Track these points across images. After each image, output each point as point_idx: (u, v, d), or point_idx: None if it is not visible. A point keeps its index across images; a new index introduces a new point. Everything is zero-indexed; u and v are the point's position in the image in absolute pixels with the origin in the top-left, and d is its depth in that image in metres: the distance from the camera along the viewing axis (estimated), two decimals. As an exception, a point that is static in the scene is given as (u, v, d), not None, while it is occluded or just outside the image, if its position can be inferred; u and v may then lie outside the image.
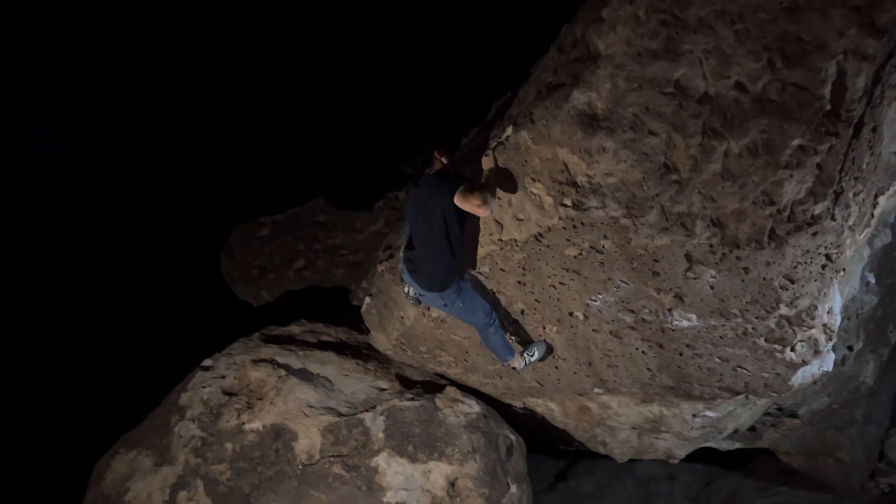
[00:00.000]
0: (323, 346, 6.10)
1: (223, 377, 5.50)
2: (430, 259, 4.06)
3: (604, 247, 3.99)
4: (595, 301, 4.35)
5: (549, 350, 4.87)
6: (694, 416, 5.58)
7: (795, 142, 3.55)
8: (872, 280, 5.38)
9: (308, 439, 5.21)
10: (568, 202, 3.81)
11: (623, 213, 3.76)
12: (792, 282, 3.96)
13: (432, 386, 5.88)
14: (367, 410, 5.47)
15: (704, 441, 6.02)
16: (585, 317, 4.49)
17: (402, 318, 5.07)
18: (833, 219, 3.68)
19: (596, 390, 5.22)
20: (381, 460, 5.21)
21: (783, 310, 4.11)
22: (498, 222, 4.27)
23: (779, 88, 3.52)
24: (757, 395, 4.78)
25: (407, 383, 5.89)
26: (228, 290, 7.89)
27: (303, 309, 7.01)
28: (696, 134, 3.64)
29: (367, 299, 5.34)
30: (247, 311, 7.75)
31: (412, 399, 5.54)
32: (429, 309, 4.82)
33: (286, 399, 5.38)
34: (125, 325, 8.55)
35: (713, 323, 4.27)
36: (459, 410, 5.53)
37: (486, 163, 4.06)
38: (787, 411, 6.54)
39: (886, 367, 6.10)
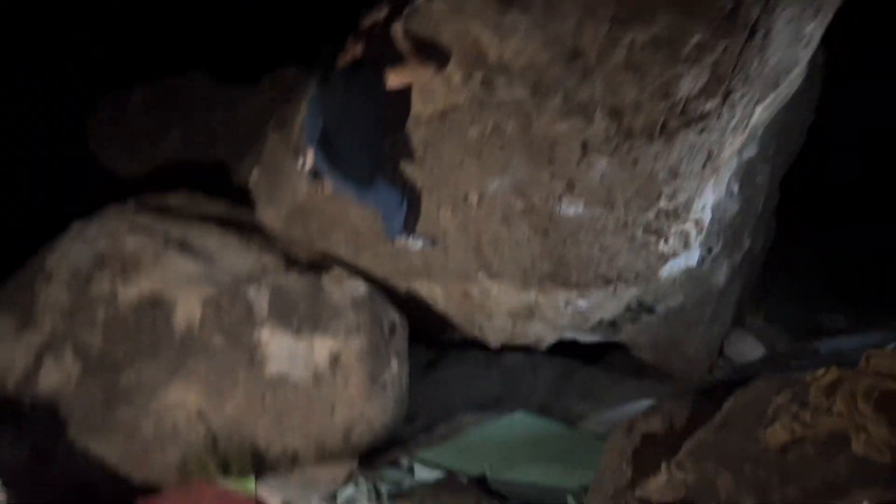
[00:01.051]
0: (204, 218, 5.89)
1: (95, 241, 5.21)
2: (358, 156, 3.99)
3: (506, 129, 4.04)
4: (491, 184, 4.44)
5: (433, 244, 4.97)
6: (566, 304, 5.89)
7: (695, 38, 3.71)
8: (736, 189, 5.81)
9: (187, 309, 5.09)
10: (477, 79, 3.80)
11: (528, 94, 3.82)
12: (675, 176, 4.21)
13: (318, 265, 5.85)
14: (249, 283, 5.38)
15: (572, 330, 6.40)
16: (480, 200, 4.58)
17: (294, 191, 4.96)
18: (720, 117, 3.91)
19: (480, 275, 5.38)
20: (263, 334, 5.19)
21: (663, 203, 4.38)
22: None
23: None
24: (627, 284, 5.11)
25: (292, 260, 5.83)
26: (96, 160, 7.37)
27: (181, 184, 6.69)
28: (605, 21, 3.71)
29: (256, 171, 5.17)
30: (119, 183, 7.29)
31: (298, 274, 5.50)
32: (323, 184, 4.74)
33: (165, 268, 5.20)
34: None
35: (598, 212, 4.49)
36: (346, 290, 5.56)
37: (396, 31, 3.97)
38: (646, 307, 7.07)
39: (736, 271, 6.69)
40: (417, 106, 4.07)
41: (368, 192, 4.16)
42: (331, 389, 5.23)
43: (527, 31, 3.67)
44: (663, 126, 3.88)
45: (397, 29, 3.86)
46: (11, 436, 4.87)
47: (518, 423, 5.94)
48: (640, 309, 6.82)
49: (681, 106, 3.83)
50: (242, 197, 6.12)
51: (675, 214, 4.42)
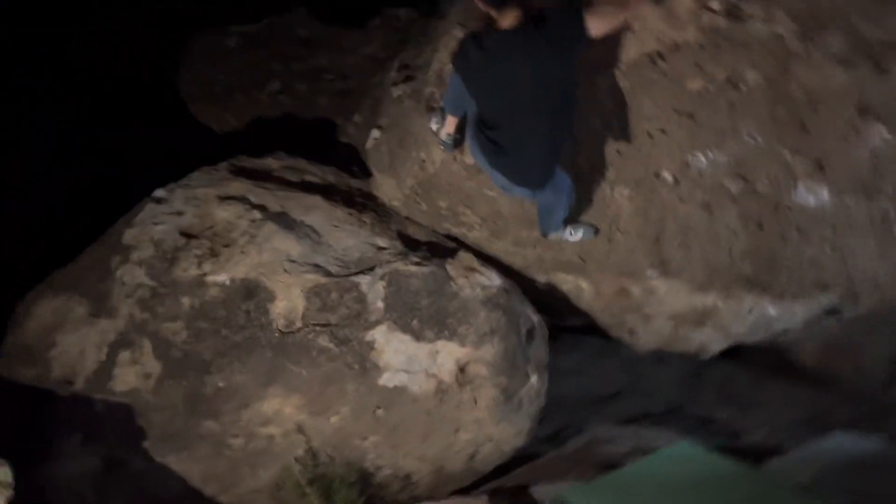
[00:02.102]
0: (307, 187, 4.85)
1: (181, 213, 4.25)
2: (536, 149, 2.97)
3: (745, 82, 2.74)
4: (700, 160, 3.16)
5: (596, 234, 3.76)
6: (750, 310, 4.62)
7: None
8: None
9: (288, 301, 4.08)
10: (716, 6, 2.50)
11: (794, 30, 2.50)
12: None
13: (441, 249, 4.72)
14: (363, 272, 4.32)
15: (746, 338, 5.12)
16: (676, 180, 3.32)
17: (424, 161, 3.81)
18: None
19: (649, 272, 4.14)
20: (378, 334, 4.13)
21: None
22: None
23: None
24: (855, 299, 3.78)
25: (411, 243, 4.73)
26: (186, 110, 6.41)
27: (278, 141, 5.66)
28: None
29: (376, 132, 4.06)
30: (208, 138, 6.32)
31: (419, 263, 4.39)
32: (462, 153, 3.57)
33: (261, 249, 4.19)
34: (65, 142, 7.01)
35: (848, 203, 3.16)
36: (476, 282, 4.43)
37: None
38: (835, 311, 5.66)
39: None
40: (614, 47, 2.79)
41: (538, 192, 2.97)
42: (456, 406, 4.16)
43: None
44: None
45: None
46: (80, 443, 4.00)
47: (685, 456, 4.70)
48: (829, 313, 5.42)
49: None
50: (350, 161, 5.02)
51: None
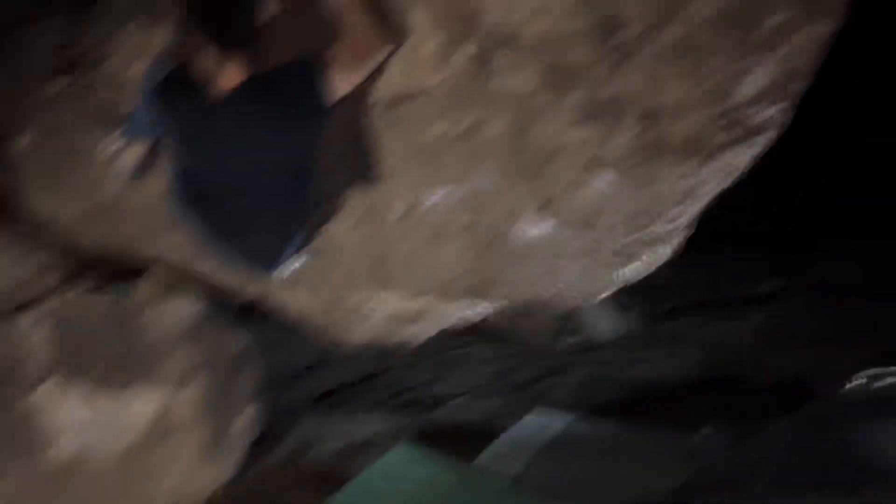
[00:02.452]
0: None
1: None
2: (263, 220, 2.23)
3: (489, 131, 2.49)
4: (434, 196, 2.89)
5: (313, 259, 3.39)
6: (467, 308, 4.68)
7: (777, 17, 2.38)
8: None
9: None
10: (465, 52, 2.18)
11: (541, 84, 2.27)
12: (689, 198, 2.98)
13: (124, 269, 3.90)
14: (20, 310, 3.37)
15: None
16: (408, 214, 3.02)
17: (97, 184, 2.99)
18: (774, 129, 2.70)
19: (372, 286, 3.88)
20: (43, 396, 3.27)
21: (658, 226, 3.15)
22: None
23: None
24: (561, 300, 3.95)
25: (85, 267, 3.82)
26: None
27: None
28: None
29: (28, 135, 3.07)
30: None
31: (97, 291, 3.56)
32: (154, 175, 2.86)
33: None
34: None
35: (568, 234, 3.15)
36: (172, 311, 3.73)
37: None
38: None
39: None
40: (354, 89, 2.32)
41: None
42: (153, 464, 3.51)
43: None
44: (707, 140, 2.55)
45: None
46: None
47: (404, 462, 4.62)
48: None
49: (735, 113, 2.52)
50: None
51: (665, 238, 3.22)
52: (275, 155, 2.12)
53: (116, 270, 3.93)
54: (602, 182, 2.83)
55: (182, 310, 3.81)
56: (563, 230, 3.24)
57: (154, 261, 3.69)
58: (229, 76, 2.03)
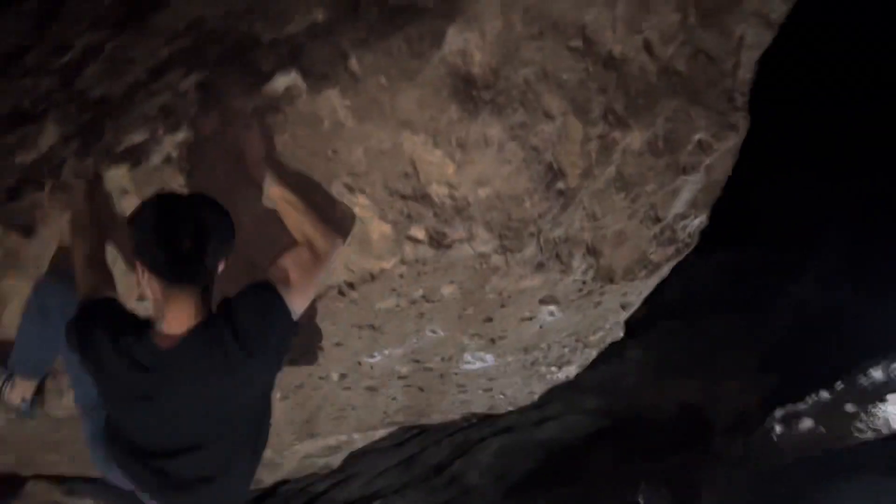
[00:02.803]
0: None
1: None
2: (226, 479, 1.89)
3: (442, 295, 2.33)
4: (374, 358, 2.67)
5: None
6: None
7: (697, 136, 2.46)
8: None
9: None
10: (420, 234, 2.01)
11: (495, 246, 2.17)
12: (625, 308, 2.97)
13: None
14: None
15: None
16: (343, 377, 2.78)
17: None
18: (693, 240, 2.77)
19: (292, 443, 3.56)
20: None
21: (594, 336, 3.12)
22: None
23: (688, 56, 2.35)
24: (495, 411, 3.85)
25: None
26: None
27: None
28: (599, 120, 2.23)
29: None
30: None
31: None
32: (33, 402, 2.41)
33: None
34: None
35: (510, 360, 3.06)
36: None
37: (252, 147, 1.92)
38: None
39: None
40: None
41: None
42: None
43: (501, 145, 1.98)
44: (647, 260, 2.55)
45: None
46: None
47: None
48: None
49: (669, 230, 2.55)
50: None
51: (598, 342, 3.20)
52: (236, 398, 1.82)
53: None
54: (547, 315, 2.72)
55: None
56: (502, 360, 3.11)
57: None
58: (180, 320, 1.72)
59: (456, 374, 3.13)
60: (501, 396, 3.64)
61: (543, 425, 7.15)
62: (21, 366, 2.24)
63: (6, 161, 2.50)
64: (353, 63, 1.98)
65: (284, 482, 4.99)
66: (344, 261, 2.10)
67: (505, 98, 2.08)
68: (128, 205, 2.09)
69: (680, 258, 2.76)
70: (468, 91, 2.01)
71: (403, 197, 2.07)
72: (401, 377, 3.04)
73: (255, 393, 1.82)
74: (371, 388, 3.09)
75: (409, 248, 2.08)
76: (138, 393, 1.72)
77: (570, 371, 3.62)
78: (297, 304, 1.80)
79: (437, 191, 2.08)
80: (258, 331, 1.70)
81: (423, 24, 1.93)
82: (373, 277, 2.16)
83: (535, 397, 3.84)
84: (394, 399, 3.35)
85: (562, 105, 2.19)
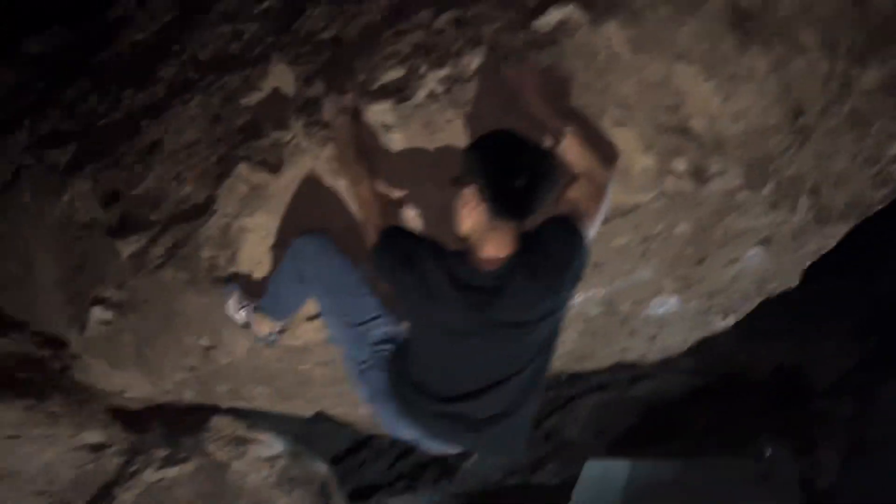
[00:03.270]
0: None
1: None
2: (515, 416, 1.98)
3: (672, 234, 2.34)
4: (576, 298, 2.71)
5: None
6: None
7: None
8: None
9: None
10: (682, 166, 2.02)
11: (742, 182, 2.17)
12: (815, 253, 2.96)
13: (183, 420, 3.44)
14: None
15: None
16: None
17: (212, 349, 2.58)
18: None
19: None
20: None
21: (773, 284, 3.13)
22: None
23: None
24: (644, 360, 3.87)
25: (135, 424, 3.34)
26: None
27: None
28: (843, 56, 2.20)
29: (103, 312, 2.61)
30: None
31: (175, 460, 3.11)
32: (280, 332, 2.49)
33: None
34: None
35: (692, 304, 3.08)
36: (257, 457, 3.33)
37: (527, 81, 1.95)
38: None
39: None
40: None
41: None
42: None
43: (764, 77, 1.96)
44: (863, 201, 2.55)
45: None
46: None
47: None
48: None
49: (885, 172, 2.53)
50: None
51: (771, 290, 3.20)
52: (539, 326, 1.87)
53: (172, 422, 3.47)
54: (752, 258, 2.73)
55: (264, 453, 3.40)
56: (686, 305, 3.13)
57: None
58: (498, 249, 1.78)
59: (636, 319, 3.15)
60: (660, 344, 3.65)
61: (638, 384, 7.16)
62: (273, 311, 2.33)
63: (231, 104, 2.56)
64: (636, -5, 1.96)
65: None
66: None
67: (769, 31, 2.07)
68: (393, 139, 2.13)
69: (887, 203, 2.74)
70: (741, 23, 2.00)
71: (668, 130, 2.08)
72: (586, 320, 3.07)
73: (554, 321, 1.87)
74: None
75: (670, 182, 2.09)
76: (458, 311, 1.77)
77: (731, 320, 3.62)
78: (591, 232, 1.84)
79: (699, 124, 2.09)
80: (566, 260, 1.75)
81: (711, -48, 1.91)
82: (624, 213, 2.18)
83: (686, 347, 3.85)
84: (562, 343, 3.39)
85: (815, 39, 2.16)
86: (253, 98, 2.53)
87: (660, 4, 1.95)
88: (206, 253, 2.46)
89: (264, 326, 2.36)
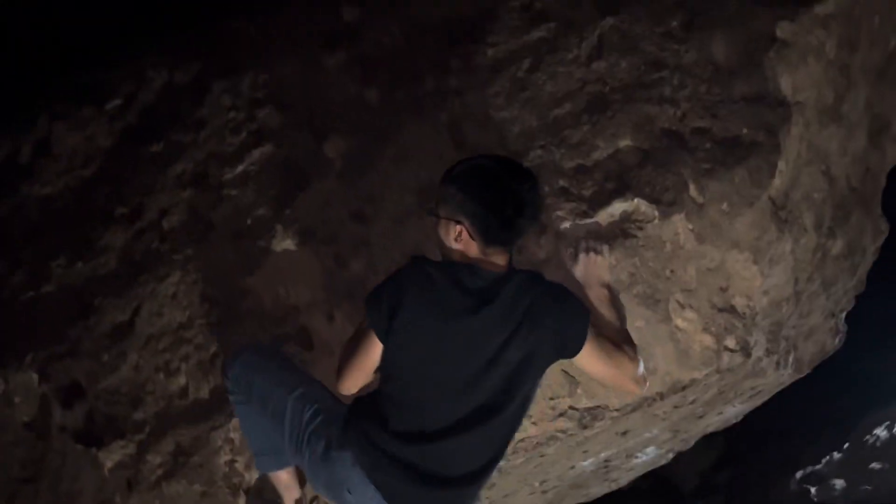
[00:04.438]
0: None
1: None
2: (480, 454, 1.78)
3: (700, 398, 2.52)
4: (586, 462, 2.80)
5: None
6: None
7: (865, 240, 2.90)
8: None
9: None
10: (732, 344, 2.21)
11: (765, 350, 2.41)
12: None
13: None
14: None
15: None
16: (542, 482, 2.88)
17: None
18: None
19: None
20: None
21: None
22: (569, 375, 2.22)
23: (862, 174, 2.81)
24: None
25: None
26: None
27: None
28: (825, 231, 2.59)
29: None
30: None
31: None
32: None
33: None
34: None
35: (663, 450, 3.28)
36: None
37: (595, 267, 2.03)
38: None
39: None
40: (601, 395, 2.22)
41: None
42: None
43: (786, 256, 2.27)
44: (824, 352, 2.95)
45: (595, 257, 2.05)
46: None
47: None
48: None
49: (838, 322, 2.98)
50: None
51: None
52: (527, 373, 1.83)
53: None
54: (730, 408, 2.95)
55: None
56: (659, 450, 3.28)
57: None
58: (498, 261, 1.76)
59: (618, 469, 3.23)
60: (611, 483, 3.77)
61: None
62: (265, 453, 2.09)
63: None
64: (694, 190, 2.12)
65: None
66: (663, 372, 2.20)
67: (789, 217, 2.32)
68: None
69: (836, 350, 3.10)
70: (776, 212, 2.23)
71: (720, 310, 2.23)
72: (575, 477, 3.10)
73: (525, 378, 1.80)
74: (543, 492, 3.12)
75: (726, 358, 2.22)
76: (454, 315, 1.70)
77: (671, 456, 3.83)
78: (588, 350, 1.82)
79: (740, 302, 2.26)
80: (552, 315, 1.74)
81: (760, 156, 2.14)
82: (679, 389, 2.27)
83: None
84: (543, 498, 3.38)
85: (811, 221, 2.46)
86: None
87: (720, 200, 2.10)
88: (223, 458, 2.15)
89: (289, 493, 2.08)
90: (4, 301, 2.82)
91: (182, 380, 2.34)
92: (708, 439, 7.66)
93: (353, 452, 1.69)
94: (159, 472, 2.20)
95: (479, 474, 1.74)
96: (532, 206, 1.72)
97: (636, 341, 2.05)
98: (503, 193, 1.66)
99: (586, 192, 2.20)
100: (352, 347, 1.80)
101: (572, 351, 1.75)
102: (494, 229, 1.68)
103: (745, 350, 2.26)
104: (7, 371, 2.55)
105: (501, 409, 1.70)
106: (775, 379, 2.73)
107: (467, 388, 1.68)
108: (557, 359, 1.78)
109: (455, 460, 1.70)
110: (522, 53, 2.52)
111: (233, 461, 2.18)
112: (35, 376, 2.52)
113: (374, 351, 1.75)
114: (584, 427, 2.22)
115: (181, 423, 2.29)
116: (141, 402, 2.36)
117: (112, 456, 2.24)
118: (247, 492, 2.22)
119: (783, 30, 2.25)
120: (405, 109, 2.63)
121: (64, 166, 3.11)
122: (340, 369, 1.81)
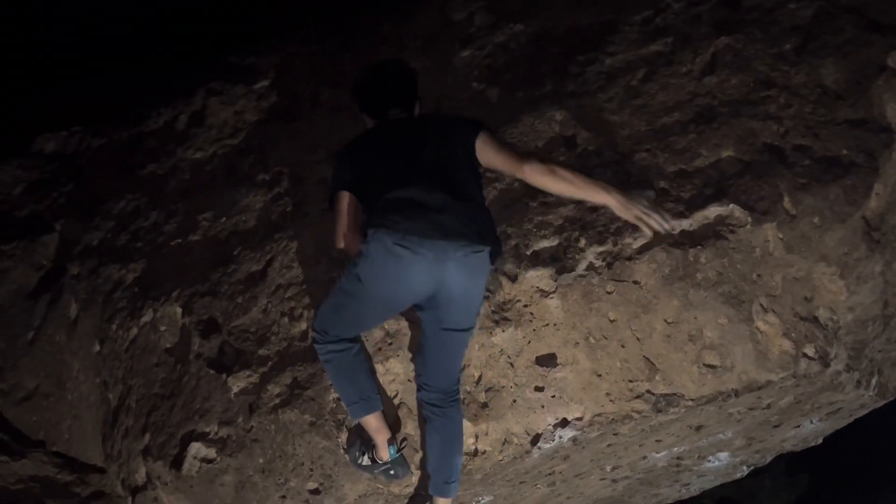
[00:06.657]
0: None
1: None
2: (462, 196, 2.22)
3: (775, 404, 2.60)
4: (658, 454, 2.90)
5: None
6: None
7: None
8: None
9: None
10: (811, 352, 2.29)
11: (845, 365, 2.47)
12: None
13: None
14: None
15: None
16: (613, 468, 2.99)
17: (317, 495, 2.54)
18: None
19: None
20: None
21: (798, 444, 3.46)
22: (650, 361, 2.38)
23: None
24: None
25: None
26: None
27: None
28: None
29: (205, 449, 2.52)
30: None
31: None
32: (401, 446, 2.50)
33: None
34: None
35: (737, 459, 3.34)
36: None
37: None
38: None
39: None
40: (683, 382, 2.37)
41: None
42: None
43: (878, 276, 2.34)
44: None
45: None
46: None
47: None
48: None
49: None
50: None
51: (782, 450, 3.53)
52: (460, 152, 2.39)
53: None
54: (808, 424, 3.01)
55: None
56: (733, 459, 3.36)
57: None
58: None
59: (689, 470, 3.34)
60: (688, 491, 3.85)
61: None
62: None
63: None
64: (788, 202, 2.26)
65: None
66: (740, 370, 2.34)
67: (882, 239, 2.41)
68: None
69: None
70: (869, 232, 2.33)
71: (803, 318, 2.34)
72: (647, 470, 3.23)
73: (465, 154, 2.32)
74: (613, 481, 3.27)
75: (803, 364, 2.33)
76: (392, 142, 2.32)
77: (745, 470, 3.89)
78: (484, 148, 2.28)
79: (823, 314, 2.36)
80: (450, 118, 2.45)
81: (857, 177, 2.26)
82: (754, 389, 2.40)
83: (701, 492, 4.06)
84: (613, 489, 3.52)
85: (904, 243, 2.53)
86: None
87: (812, 214, 2.23)
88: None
89: (380, 435, 2.35)
90: (158, 245, 3.24)
91: (303, 325, 2.67)
92: (791, 473, 7.49)
93: (379, 229, 2.16)
94: (277, 400, 2.53)
95: (461, 196, 2.20)
96: (406, 79, 2.53)
97: (717, 339, 2.23)
98: (366, 80, 2.53)
99: (685, 195, 2.38)
100: (337, 218, 2.35)
101: (472, 132, 2.30)
102: (367, 102, 2.51)
103: (824, 360, 2.37)
104: (156, 303, 2.95)
105: (448, 163, 2.25)
106: (855, 398, 2.80)
107: (415, 161, 2.24)
108: (462, 138, 2.28)
109: (440, 196, 2.18)
110: (638, 64, 2.73)
111: (339, 399, 2.48)
112: (179, 309, 2.91)
113: (351, 204, 2.34)
114: (659, 411, 2.40)
115: (299, 361, 2.61)
116: (266, 340, 2.70)
117: (238, 383, 2.59)
118: (349, 428, 2.52)
119: (895, 59, 2.35)
120: (522, 108, 2.88)
121: (215, 135, 3.52)
122: (336, 234, 2.36)
